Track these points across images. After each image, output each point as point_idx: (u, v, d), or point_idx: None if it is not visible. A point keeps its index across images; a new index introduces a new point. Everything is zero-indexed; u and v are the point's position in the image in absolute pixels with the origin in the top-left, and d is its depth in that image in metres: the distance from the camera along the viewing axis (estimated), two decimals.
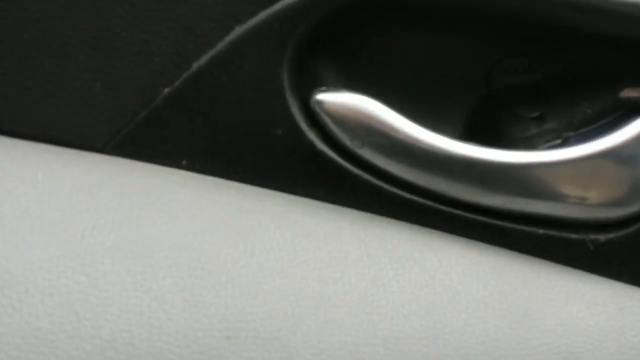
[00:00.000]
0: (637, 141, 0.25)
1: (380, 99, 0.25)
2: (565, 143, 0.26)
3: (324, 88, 0.25)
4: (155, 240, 0.21)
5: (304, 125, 0.25)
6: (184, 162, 0.25)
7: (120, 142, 0.25)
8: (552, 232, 0.26)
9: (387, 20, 0.26)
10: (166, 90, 0.24)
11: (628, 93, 0.25)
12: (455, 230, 0.26)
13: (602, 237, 0.26)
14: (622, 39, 0.25)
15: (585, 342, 0.24)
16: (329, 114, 0.25)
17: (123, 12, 0.24)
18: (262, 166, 0.25)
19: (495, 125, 0.28)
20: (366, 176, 0.25)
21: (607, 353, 0.24)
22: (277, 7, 0.23)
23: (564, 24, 0.25)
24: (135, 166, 0.24)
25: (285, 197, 0.25)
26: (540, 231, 0.26)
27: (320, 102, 0.25)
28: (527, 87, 0.27)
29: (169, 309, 0.20)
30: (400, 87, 0.27)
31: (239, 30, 0.24)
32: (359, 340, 0.21)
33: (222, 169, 0.25)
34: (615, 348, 0.24)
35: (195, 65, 0.24)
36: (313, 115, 0.25)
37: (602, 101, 0.27)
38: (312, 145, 0.25)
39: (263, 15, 0.24)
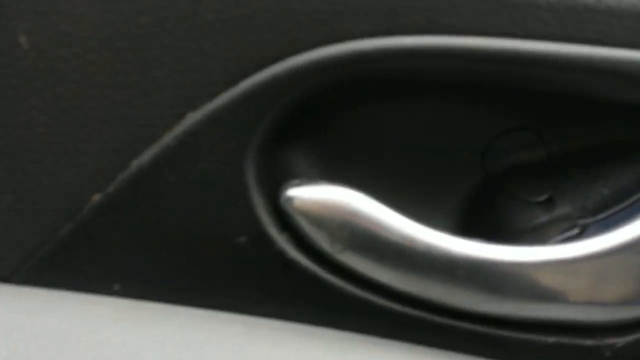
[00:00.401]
0: None
1: (363, 191, 0.22)
2: (583, 233, 0.23)
3: (296, 181, 0.22)
4: None
5: (272, 230, 0.21)
6: (116, 286, 0.20)
7: (34, 267, 0.20)
8: (565, 340, 0.23)
9: (368, 101, 0.23)
10: (96, 197, 0.20)
11: None
12: (457, 345, 0.23)
13: (620, 341, 0.23)
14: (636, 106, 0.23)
15: None
16: (303, 212, 0.21)
17: (41, 103, 0.19)
18: (220, 284, 0.21)
19: (497, 214, 0.24)
20: (350, 287, 0.22)
21: None
22: (240, 88, 0.19)
23: (571, 91, 0.23)
24: (52, 297, 0.20)
25: (251, 321, 0.21)
26: (551, 339, 0.23)
27: (291, 199, 0.21)
28: (531, 166, 0.25)
29: None
30: (385, 176, 0.24)
31: (192, 118, 0.20)
32: None
33: (166, 292, 0.21)
34: None
35: (135, 164, 0.20)
36: (283, 216, 0.21)
37: (620, 179, 0.24)
38: (283, 254, 0.21)
39: (223, 98, 0.19)
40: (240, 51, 0.19)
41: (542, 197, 0.25)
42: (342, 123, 0.23)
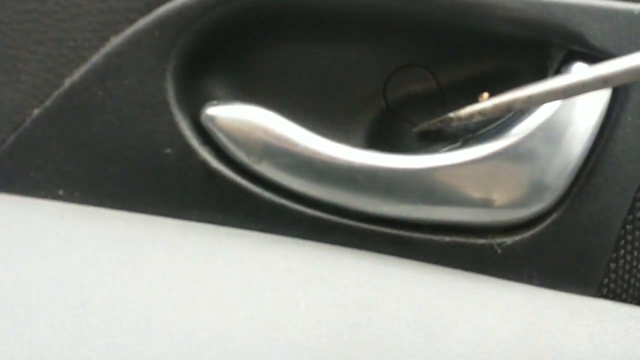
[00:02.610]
0: (532, 138, 0.25)
1: (276, 112, 0.24)
2: (464, 145, 0.25)
3: (215, 102, 0.24)
4: (27, 279, 0.19)
5: (195, 143, 0.23)
6: (60, 192, 0.22)
7: None
8: (459, 239, 0.26)
9: (280, 30, 0.25)
10: (36, 111, 0.22)
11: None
12: (363, 244, 0.25)
13: (508, 240, 0.26)
14: (510, 39, 0.26)
15: (502, 347, 0.23)
16: (222, 129, 0.23)
17: None
18: (151, 191, 0.23)
19: (395, 135, 0.27)
20: (266, 194, 0.24)
21: (525, 358, 0.23)
22: (156, 14, 0.22)
23: (452, 29, 0.25)
24: (3, 200, 0.22)
25: (179, 224, 0.23)
26: (447, 239, 0.26)
27: (211, 117, 0.23)
28: (422, 95, 0.27)
29: (45, 354, 0.17)
30: (297, 99, 0.26)
31: (115, 40, 0.22)
32: None
33: (104, 197, 0.23)
34: (533, 352, 0.24)
35: (68, 82, 0.22)
36: (205, 131, 0.23)
37: None
38: (205, 164, 0.23)
39: (141, 23, 0.22)
40: None
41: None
42: (253, 52, 0.25)
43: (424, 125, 0.27)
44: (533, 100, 0.22)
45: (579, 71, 0.21)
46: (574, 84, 0.21)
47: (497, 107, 0.23)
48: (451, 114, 0.25)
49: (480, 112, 0.24)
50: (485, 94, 0.25)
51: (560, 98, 0.22)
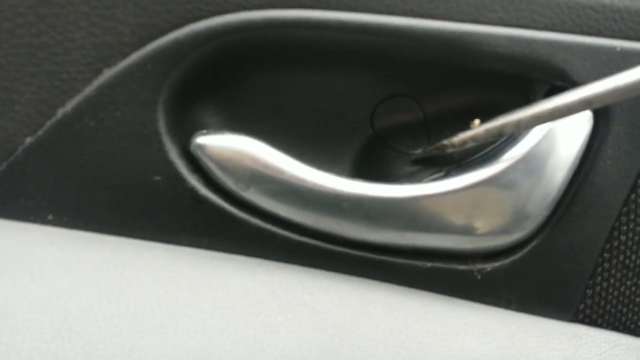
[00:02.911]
0: (514, 168, 0.25)
1: (265, 141, 0.25)
2: (447, 175, 0.26)
3: (204, 131, 0.24)
4: (12, 301, 0.19)
5: (184, 171, 0.24)
6: (50, 217, 0.23)
7: None
8: (440, 265, 0.26)
9: (269, 62, 0.25)
10: (28, 140, 0.22)
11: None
12: (346, 269, 0.26)
13: (488, 266, 0.27)
14: (495, 74, 0.26)
15: None
16: (211, 157, 0.24)
17: None
18: (140, 217, 0.24)
19: (382, 164, 0.28)
20: (253, 220, 0.25)
21: None
22: (149, 48, 0.22)
23: (439, 63, 0.26)
24: None
25: (166, 248, 0.24)
26: (429, 264, 0.26)
27: (201, 146, 0.24)
28: (408, 124, 0.28)
29: None
30: (285, 128, 0.26)
31: (108, 73, 0.22)
32: None
33: (94, 222, 0.23)
34: None
35: (61, 112, 0.22)
36: (194, 160, 0.24)
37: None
38: (194, 191, 0.24)
39: (134, 57, 0.22)
40: (147, 18, 0.22)
41: (418, 150, 0.28)
42: (243, 83, 0.25)
43: (421, 153, 0.27)
44: (522, 125, 0.23)
45: (564, 95, 0.22)
46: (559, 106, 0.22)
47: (488, 133, 0.24)
48: (445, 141, 0.26)
49: (473, 139, 0.25)
50: (477, 121, 0.26)
51: (548, 121, 0.22)
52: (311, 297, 0.23)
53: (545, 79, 0.26)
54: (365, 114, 0.27)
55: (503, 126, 0.23)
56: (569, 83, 0.26)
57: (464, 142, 0.25)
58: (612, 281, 0.28)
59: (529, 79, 0.26)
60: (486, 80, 0.27)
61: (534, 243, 0.27)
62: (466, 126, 0.27)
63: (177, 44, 0.22)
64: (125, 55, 0.22)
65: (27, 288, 0.20)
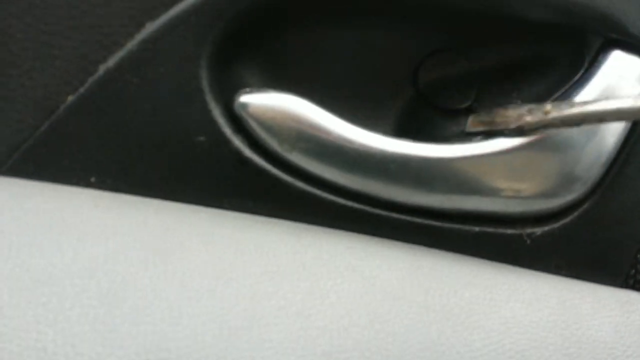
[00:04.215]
0: (565, 130, 0.24)
1: (309, 99, 0.24)
2: (497, 135, 0.25)
3: (248, 89, 0.24)
4: (59, 267, 0.19)
5: (228, 131, 0.23)
6: (93, 179, 0.22)
7: (18, 161, 0.22)
8: (489, 229, 0.26)
9: (311, 16, 0.24)
10: (70, 98, 0.21)
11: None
12: (393, 234, 0.25)
13: (538, 230, 0.26)
14: (547, 25, 0.25)
15: (530, 338, 0.24)
16: (255, 117, 0.23)
17: (17, 10, 0.21)
18: (184, 179, 0.23)
19: (427, 122, 0.27)
20: (298, 183, 0.24)
21: (552, 348, 0.24)
22: (191, 0, 0.21)
23: (487, 13, 0.25)
24: (37, 187, 0.22)
25: (211, 212, 0.23)
26: (477, 229, 0.26)
27: (244, 105, 0.23)
28: (454, 80, 0.27)
29: (77, 342, 0.18)
30: (329, 86, 0.25)
31: (150, 27, 0.21)
32: (297, 358, 0.20)
33: (137, 184, 0.23)
34: (560, 342, 0.24)
35: (102, 68, 0.21)
36: (238, 119, 0.23)
37: (531, 90, 0.26)
38: (238, 153, 0.23)
39: (177, 9, 0.21)
40: None
41: (465, 106, 0.27)
42: (287, 40, 0.25)
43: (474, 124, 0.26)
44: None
45: None
46: None
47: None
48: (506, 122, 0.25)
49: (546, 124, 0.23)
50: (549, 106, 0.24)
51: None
52: (359, 262, 0.23)
53: (601, 30, 0.25)
54: (408, 70, 0.27)
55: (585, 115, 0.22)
56: (625, 35, 0.25)
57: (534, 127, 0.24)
58: None
59: (584, 31, 0.25)
60: (538, 32, 0.26)
61: (585, 206, 0.26)
62: (517, 84, 0.26)
63: None
64: (167, 7, 0.21)
65: (73, 253, 0.19)
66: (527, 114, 0.24)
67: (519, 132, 0.24)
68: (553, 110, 0.23)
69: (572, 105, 0.23)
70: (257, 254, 0.22)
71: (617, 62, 0.25)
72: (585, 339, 0.24)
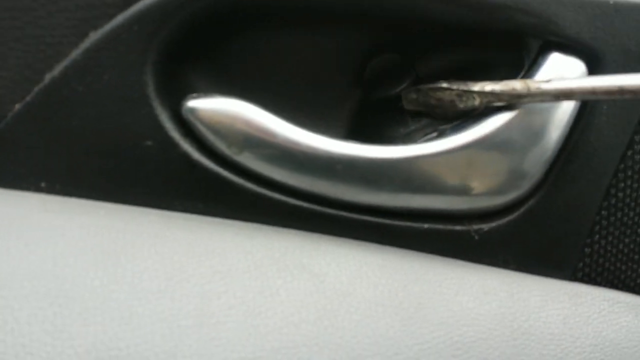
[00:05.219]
0: (508, 127, 0.25)
1: (256, 103, 0.24)
2: (441, 135, 0.26)
3: (195, 95, 0.24)
4: (9, 269, 0.19)
5: (176, 135, 0.23)
6: (43, 184, 0.23)
7: None
8: (437, 226, 0.26)
9: (257, 21, 0.25)
10: (17, 106, 0.22)
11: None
12: (342, 232, 0.25)
13: (485, 226, 0.27)
14: (489, 30, 0.26)
15: (478, 331, 0.24)
16: (203, 121, 0.24)
17: None
18: (133, 182, 0.23)
19: (375, 124, 0.28)
20: (248, 184, 0.24)
21: (500, 340, 0.24)
22: (134, 9, 0.22)
23: (429, 19, 0.25)
24: None
25: (161, 214, 0.24)
26: (425, 226, 0.26)
27: (192, 110, 0.24)
28: (402, 83, 0.27)
29: (27, 342, 0.18)
30: (276, 90, 0.26)
31: (94, 36, 0.22)
32: (247, 355, 0.20)
33: (87, 188, 0.23)
34: (508, 334, 0.24)
35: (48, 77, 0.22)
36: (186, 124, 0.24)
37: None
38: (187, 156, 0.24)
39: (120, 18, 0.22)
40: None
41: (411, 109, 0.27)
42: (232, 44, 0.25)
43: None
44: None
45: None
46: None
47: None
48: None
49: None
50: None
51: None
52: (309, 260, 0.23)
53: (538, 34, 0.26)
54: (356, 74, 0.27)
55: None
56: (562, 37, 0.25)
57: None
58: (610, 239, 0.28)
59: (522, 35, 0.26)
60: (478, 37, 0.26)
61: (530, 202, 0.27)
62: None
63: (163, 3, 0.22)
64: (110, 16, 0.22)
65: (22, 255, 0.20)
66: (457, 99, 0.25)
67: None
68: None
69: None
70: (208, 254, 0.22)
71: (556, 64, 0.26)
72: (534, 331, 0.25)
